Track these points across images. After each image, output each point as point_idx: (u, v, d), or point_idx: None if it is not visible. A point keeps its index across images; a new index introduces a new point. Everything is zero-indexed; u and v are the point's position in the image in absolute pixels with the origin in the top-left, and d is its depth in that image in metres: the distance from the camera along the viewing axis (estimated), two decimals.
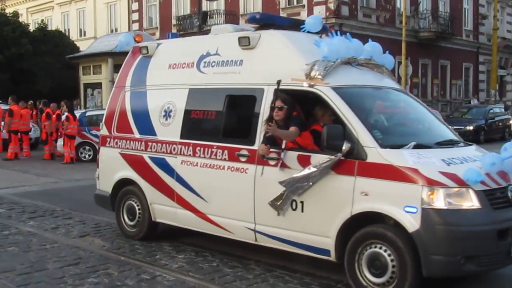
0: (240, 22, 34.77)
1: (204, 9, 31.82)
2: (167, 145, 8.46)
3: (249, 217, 7.40)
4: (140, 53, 9.33)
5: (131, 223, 9.11)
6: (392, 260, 6.14)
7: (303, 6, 32.48)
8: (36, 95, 30.43)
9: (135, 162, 8.96)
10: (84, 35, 46.28)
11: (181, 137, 8.31)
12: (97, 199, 9.88)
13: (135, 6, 42.05)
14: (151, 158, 8.69)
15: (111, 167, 9.43)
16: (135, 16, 42.06)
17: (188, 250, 8.41)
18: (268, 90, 7.32)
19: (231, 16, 34.87)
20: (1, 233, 9.58)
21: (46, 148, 21.59)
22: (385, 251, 6.21)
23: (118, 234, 9.46)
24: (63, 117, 20.45)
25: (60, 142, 20.71)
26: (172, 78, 8.73)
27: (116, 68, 27.56)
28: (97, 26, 45.11)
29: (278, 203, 6.98)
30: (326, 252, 6.72)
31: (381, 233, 6.27)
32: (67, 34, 42.59)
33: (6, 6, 37.70)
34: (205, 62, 8.30)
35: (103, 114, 21.36)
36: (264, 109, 7.30)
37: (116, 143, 9.32)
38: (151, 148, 8.71)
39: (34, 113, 26.69)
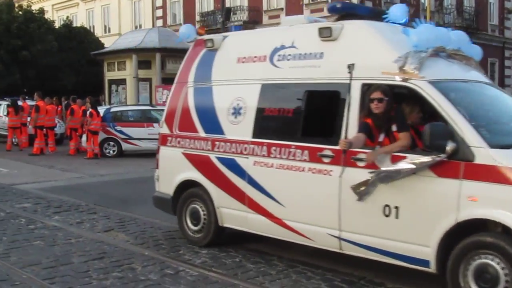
0: (263, 18, 34.80)
1: (227, 5, 31.91)
2: (237, 144, 7.85)
3: (333, 223, 6.77)
4: (204, 47, 8.69)
5: (195, 228, 8.52)
6: (505, 273, 5.50)
7: (327, 1, 32.30)
8: (61, 91, 30.80)
9: (200, 163, 8.37)
10: (109, 31, 46.61)
11: (254, 136, 7.70)
12: (157, 201, 9.27)
13: (159, 2, 42.21)
14: (218, 158, 8.09)
15: (173, 168, 8.85)
16: (159, 13, 42.23)
17: (211, 245, 8.43)
18: (354, 85, 6.69)
19: (255, 12, 34.85)
20: (27, 227, 9.69)
21: (72, 143, 21.82)
22: (497, 262, 5.58)
23: (142, 229, 9.54)
24: (87, 113, 20.66)
25: (84, 137, 20.92)
26: (241, 73, 8.11)
27: (141, 64, 27.95)
28: (122, 23, 45.36)
29: (361, 189, 6.39)
30: (424, 263, 6.08)
31: (492, 242, 5.62)
32: (92, 30, 42.92)
33: (32, 3, 38.06)
34: (279, 56, 7.67)
35: (127, 110, 22.30)
36: (349, 106, 6.68)
37: (179, 142, 8.72)
38: (218, 148, 8.10)
39: (59, 109, 27.02)
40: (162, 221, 10.00)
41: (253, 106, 7.79)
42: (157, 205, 9.33)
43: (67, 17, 42.34)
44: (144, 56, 28.19)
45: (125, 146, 20.91)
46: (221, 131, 8.13)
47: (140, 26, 42.77)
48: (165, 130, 9.04)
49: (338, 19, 7.40)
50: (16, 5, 34.74)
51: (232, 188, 7.90)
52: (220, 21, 30.52)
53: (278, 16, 33.95)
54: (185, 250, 8.24)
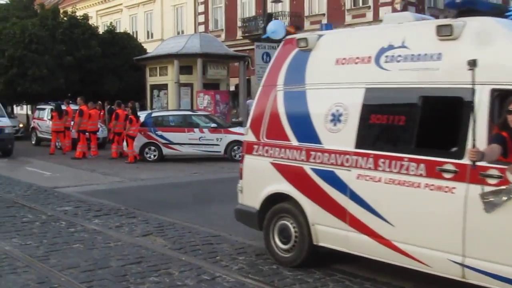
0: (304, 23, 34.72)
1: (269, 11, 31.92)
2: (337, 155, 7.05)
3: (456, 247, 5.95)
4: (296, 46, 7.91)
5: (285, 247, 7.72)
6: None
7: (369, 7, 32.10)
8: (103, 96, 31.21)
9: (292, 174, 7.60)
10: (152, 37, 47.08)
11: (357, 147, 6.92)
12: (240, 215, 8.57)
13: (201, 8, 42.49)
14: (314, 170, 7.30)
15: (260, 179, 8.09)
16: (201, 18, 42.49)
17: (248, 251, 8.41)
18: (481, 90, 5.80)
19: (296, 18, 34.79)
20: (67, 230, 9.81)
21: (114, 147, 22.08)
22: None
23: (180, 234, 9.55)
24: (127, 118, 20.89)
25: (125, 142, 21.15)
26: (341, 76, 7.31)
27: (182, 69, 28.09)
28: (164, 28, 45.76)
29: (490, 199, 5.60)
30: None
31: None
32: (135, 36, 43.39)
33: (77, 9, 38.68)
34: (387, 57, 6.88)
35: (168, 115, 22.45)
36: (475, 114, 5.73)
37: (267, 151, 7.94)
38: (314, 158, 7.31)
39: (102, 113, 27.38)
40: (200, 226, 10.04)
41: (355, 112, 7.01)
42: (240, 219, 8.65)
43: (111, 23, 42.96)
44: (185, 62, 28.34)
45: (165, 151, 21.04)
46: (317, 140, 7.36)
47: (182, 32, 43.08)
48: (250, 137, 8.28)
49: (456, 16, 6.70)
50: (61, 11, 35.37)
51: (330, 203, 7.12)
52: (261, 26, 30.57)
53: (319, 22, 33.84)
54: (222, 256, 8.22)
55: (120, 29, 44.19)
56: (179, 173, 17.98)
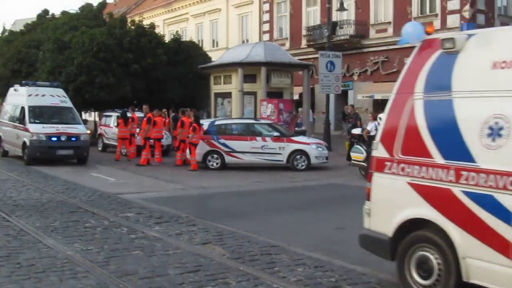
0: (370, 32, 34.34)
1: (334, 19, 31.70)
2: (498, 176, 5.92)
3: None
4: (438, 48, 6.87)
5: (424, 283, 6.63)
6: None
7: (436, 15, 31.44)
8: (168, 104, 31.59)
9: (436, 197, 6.53)
10: (217, 45, 47.49)
11: None
12: (366, 242, 7.49)
13: (266, 17, 42.59)
14: (466, 193, 6.20)
15: (394, 202, 7.04)
16: (266, 27, 42.57)
17: (307, 263, 8.26)
18: None
19: (361, 26, 34.44)
20: (128, 236, 9.89)
21: (178, 154, 22.27)
22: None
23: (239, 243, 9.48)
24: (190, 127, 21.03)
25: (188, 149, 21.30)
26: (500, 82, 6.19)
27: (246, 78, 28.16)
28: (229, 37, 46.11)
29: None
30: None
31: None
32: (200, 44, 43.82)
33: (144, 18, 39.34)
34: None
35: (231, 124, 22.52)
36: None
37: (403, 169, 6.93)
38: (466, 179, 6.22)
39: (167, 121, 27.72)
40: (259, 236, 9.95)
41: None
42: (366, 246, 7.55)
43: (177, 31, 43.50)
44: (249, 70, 28.40)
45: (228, 159, 21.09)
46: (469, 158, 6.26)
47: (247, 41, 43.29)
48: (381, 152, 7.27)
49: None
50: (129, 20, 36.02)
51: (488, 233, 6.01)
52: (326, 35, 30.39)
53: (385, 30, 33.45)
54: (280, 267, 8.10)
55: (186, 37, 44.73)
56: (241, 182, 17.97)
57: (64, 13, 40.70)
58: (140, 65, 31.25)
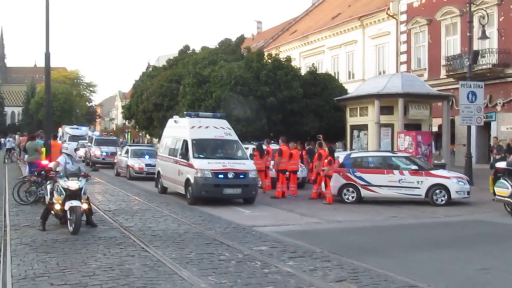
0: None
1: (475, 48, 30.48)
2: None
3: None
4: None
5: None
6: None
7: None
8: (304, 136, 31.59)
9: None
10: (353, 77, 47.18)
11: None
12: None
13: (403, 47, 41.78)
14: None
15: None
16: (403, 58, 41.75)
17: None
18: None
19: (505, 55, 32.88)
20: (261, 270, 9.78)
21: (315, 187, 22.11)
22: None
23: (375, 281, 9.08)
24: (326, 160, 20.82)
25: (323, 182, 21.08)
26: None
27: (383, 109, 27.64)
28: (366, 69, 45.69)
29: None
30: None
31: None
32: (336, 76, 43.73)
33: (280, 51, 39.91)
34: None
35: (367, 156, 22.11)
36: None
37: None
38: None
39: (303, 153, 27.69)
40: (397, 275, 9.49)
41: None
42: None
43: (313, 64, 43.69)
44: (386, 102, 27.86)
45: (364, 192, 20.66)
46: None
47: (384, 72, 42.67)
48: None
49: None
50: (266, 54, 36.63)
51: None
52: (467, 64, 29.26)
53: None
54: None
55: (322, 69, 44.80)
56: (377, 216, 17.46)
57: (204, 48, 42.21)
58: (276, 97, 31.56)
